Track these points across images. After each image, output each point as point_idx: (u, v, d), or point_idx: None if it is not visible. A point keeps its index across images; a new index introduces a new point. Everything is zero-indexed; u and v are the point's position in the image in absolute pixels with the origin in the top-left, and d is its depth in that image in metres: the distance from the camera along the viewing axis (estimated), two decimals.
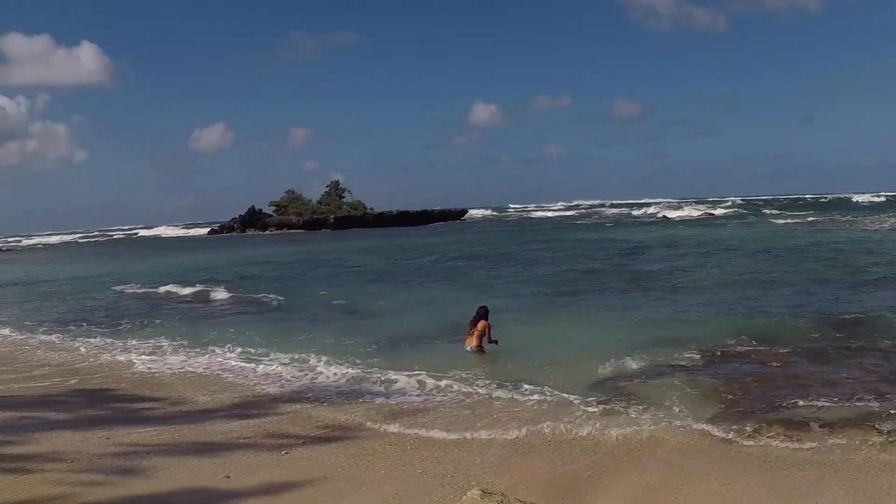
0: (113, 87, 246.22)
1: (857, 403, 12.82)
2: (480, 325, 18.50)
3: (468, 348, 18.40)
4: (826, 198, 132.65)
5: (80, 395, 15.82)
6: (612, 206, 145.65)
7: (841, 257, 35.02)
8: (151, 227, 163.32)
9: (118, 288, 37.99)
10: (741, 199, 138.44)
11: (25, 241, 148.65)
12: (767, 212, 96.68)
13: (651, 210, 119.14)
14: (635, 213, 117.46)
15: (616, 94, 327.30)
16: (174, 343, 21.39)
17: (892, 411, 12.22)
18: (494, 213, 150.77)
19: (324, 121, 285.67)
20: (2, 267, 64.81)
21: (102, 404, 14.92)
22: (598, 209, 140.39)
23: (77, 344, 22.19)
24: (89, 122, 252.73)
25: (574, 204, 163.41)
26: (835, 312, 20.87)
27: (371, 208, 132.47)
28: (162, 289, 36.21)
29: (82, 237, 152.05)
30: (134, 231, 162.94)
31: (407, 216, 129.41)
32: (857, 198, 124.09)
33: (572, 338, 19.29)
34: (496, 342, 18.38)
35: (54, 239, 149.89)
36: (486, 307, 18.89)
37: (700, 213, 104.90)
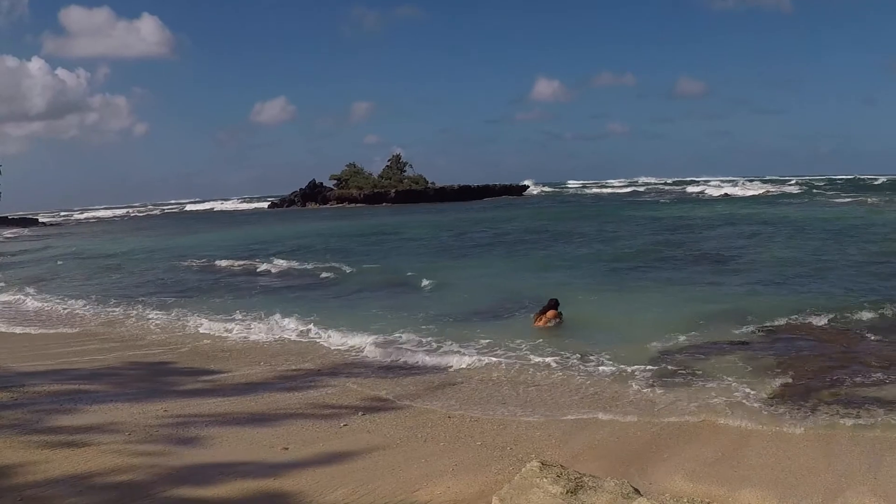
0: (173, 59, 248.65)
1: None
2: (550, 313, 18.54)
3: (534, 327, 18.42)
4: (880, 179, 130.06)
5: (138, 368, 16.01)
6: (674, 183, 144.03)
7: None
8: (211, 201, 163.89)
9: (178, 261, 38.47)
10: (803, 179, 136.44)
11: (77, 216, 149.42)
12: (829, 191, 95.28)
13: (713, 187, 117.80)
14: (696, 189, 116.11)
15: (679, 72, 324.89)
16: (232, 315, 21.55)
17: None
18: (555, 189, 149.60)
19: (385, 95, 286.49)
20: (56, 241, 65.34)
21: (160, 377, 15.10)
22: (659, 186, 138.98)
23: (135, 317, 22.56)
24: (150, 95, 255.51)
25: (635, 181, 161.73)
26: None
27: (432, 182, 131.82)
28: (222, 262, 36.58)
29: (140, 210, 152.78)
30: (193, 205, 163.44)
31: (468, 191, 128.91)
32: None
33: (632, 313, 19.25)
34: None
35: (108, 213, 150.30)
36: (556, 300, 18.90)
37: (762, 191, 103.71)
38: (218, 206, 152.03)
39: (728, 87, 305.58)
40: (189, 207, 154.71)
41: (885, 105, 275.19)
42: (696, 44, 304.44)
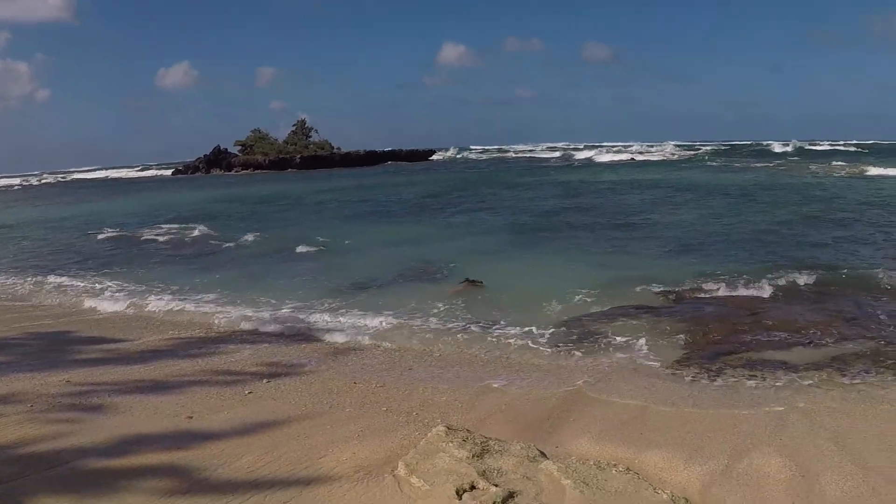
0: (76, 24, 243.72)
1: (822, 347, 12.89)
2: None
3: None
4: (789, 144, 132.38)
5: (38, 339, 15.52)
6: (584, 147, 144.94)
7: (806, 202, 35.34)
8: (112, 169, 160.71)
9: (76, 231, 37.65)
10: (710, 145, 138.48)
11: None
12: (734, 157, 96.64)
13: (618, 153, 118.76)
14: (604, 155, 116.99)
15: (586, 37, 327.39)
16: (132, 285, 21.17)
17: (856, 355, 12.35)
18: (463, 154, 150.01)
19: (291, 60, 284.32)
20: None
21: (62, 346, 14.66)
22: (569, 151, 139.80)
23: (33, 287, 22.06)
24: (52, 61, 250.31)
25: (544, 146, 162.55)
26: (800, 257, 20.97)
27: (338, 148, 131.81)
28: (120, 231, 35.89)
29: (38, 180, 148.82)
30: (94, 173, 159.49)
31: (374, 156, 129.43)
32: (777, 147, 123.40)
33: (539, 278, 19.32)
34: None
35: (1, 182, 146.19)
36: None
37: (668, 156, 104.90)
38: (119, 173, 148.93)
39: (636, 53, 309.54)
40: (90, 175, 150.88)
41: (791, 72, 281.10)
42: (603, 9, 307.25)
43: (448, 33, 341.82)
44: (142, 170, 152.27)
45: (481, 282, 18.51)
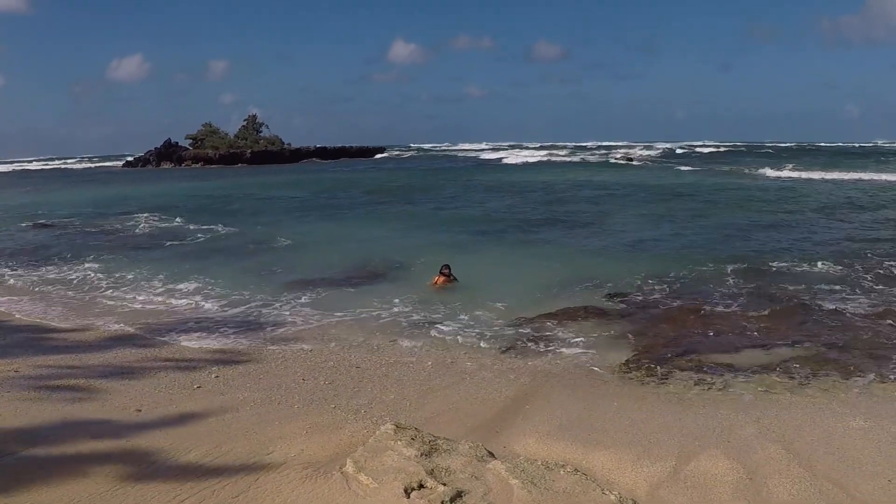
0: (30, 13, 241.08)
1: (769, 350, 13.04)
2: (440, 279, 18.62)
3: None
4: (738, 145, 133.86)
5: None
6: (534, 147, 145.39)
7: (749, 204, 35.96)
8: (62, 159, 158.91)
9: (19, 222, 36.88)
10: (658, 144, 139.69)
11: None
12: (683, 157, 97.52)
13: (569, 151, 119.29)
14: (556, 154, 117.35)
15: (536, 36, 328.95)
16: (84, 275, 21.11)
17: (802, 358, 12.47)
18: (412, 151, 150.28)
19: (242, 54, 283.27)
20: None
21: (7, 335, 14.55)
22: (519, 150, 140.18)
23: None
24: (3, 50, 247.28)
25: (493, 145, 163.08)
26: (747, 258, 21.25)
27: (288, 143, 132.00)
28: (74, 221, 35.57)
29: None
30: (41, 163, 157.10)
31: (324, 152, 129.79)
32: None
33: (487, 277, 19.39)
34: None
35: None
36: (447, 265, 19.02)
37: (617, 157, 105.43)
38: (68, 164, 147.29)
39: (585, 51, 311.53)
40: (37, 166, 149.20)
41: (740, 71, 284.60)
42: (553, 7, 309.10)
43: (399, 30, 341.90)
44: (88, 161, 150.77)
45: (454, 278, 18.57)
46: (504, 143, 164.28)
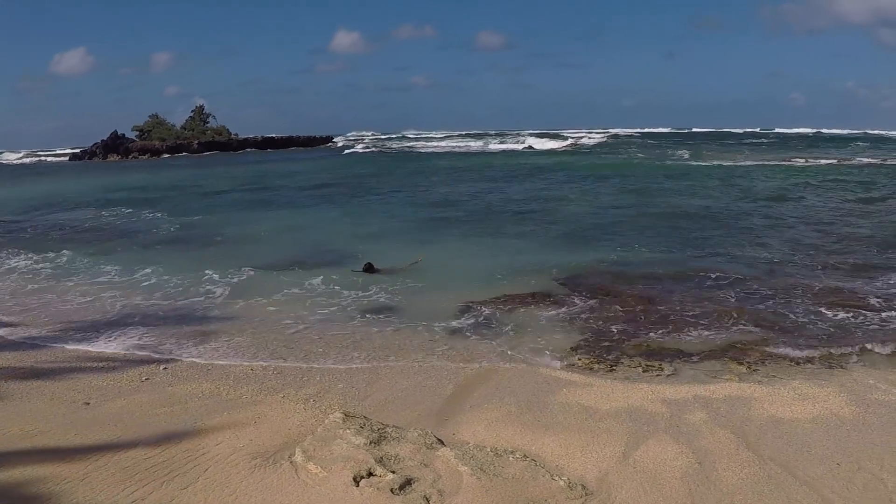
0: None
1: (718, 336, 13.09)
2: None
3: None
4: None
5: None
6: (478, 136, 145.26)
7: (700, 191, 36.03)
8: (6, 152, 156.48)
9: None
10: (606, 132, 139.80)
11: None
12: (630, 145, 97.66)
13: (516, 140, 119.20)
14: (501, 142, 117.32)
15: (480, 25, 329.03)
16: (28, 271, 20.88)
17: (751, 343, 12.57)
18: (359, 140, 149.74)
19: (187, 46, 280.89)
20: None
21: None
22: (464, 139, 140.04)
23: None
24: None
25: (441, 133, 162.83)
26: (696, 246, 21.40)
27: (235, 133, 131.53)
28: (11, 217, 35.09)
29: None
30: None
31: (271, 142, 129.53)
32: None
33: (437, 266, 19.25)
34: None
35: None
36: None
37: (565, 144, 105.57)
38: (12, 158, 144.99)
39: (530, 40, 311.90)
40: None
41: (685, 59, 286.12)
42: None
43: (341, 19, 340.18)
44: (30, 155, 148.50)
45: (379, 269, 18.47)
46: (438, 133, 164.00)
